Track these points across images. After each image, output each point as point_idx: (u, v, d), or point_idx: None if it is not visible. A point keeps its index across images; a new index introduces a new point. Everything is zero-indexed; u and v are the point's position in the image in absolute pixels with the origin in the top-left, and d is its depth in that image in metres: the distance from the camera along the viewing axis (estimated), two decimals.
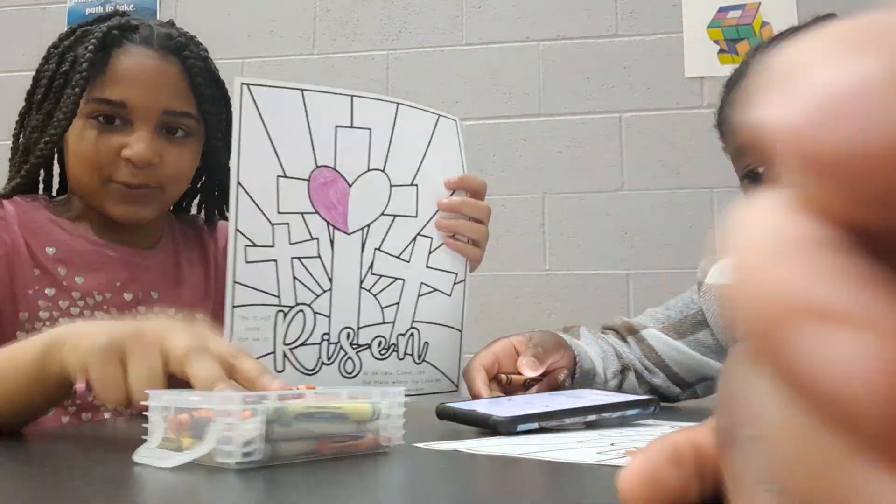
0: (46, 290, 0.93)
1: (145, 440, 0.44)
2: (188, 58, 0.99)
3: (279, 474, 0.39)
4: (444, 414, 0.66)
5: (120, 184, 0.95)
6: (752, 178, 0.89)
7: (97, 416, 0.94)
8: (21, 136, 1.02)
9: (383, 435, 0.50)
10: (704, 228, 1.99)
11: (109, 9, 2.28)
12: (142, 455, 0.43)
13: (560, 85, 2.10)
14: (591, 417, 0.65)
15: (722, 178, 2.01)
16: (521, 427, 0.58)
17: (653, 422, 0.70)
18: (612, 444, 0.52)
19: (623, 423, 0.67)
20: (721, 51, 2.04)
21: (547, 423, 0.61)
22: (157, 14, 2.26)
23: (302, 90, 0.83)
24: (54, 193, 1.08)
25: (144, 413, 0.45)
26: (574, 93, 2.09)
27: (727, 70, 2.09)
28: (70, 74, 0.95)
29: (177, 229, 1.11)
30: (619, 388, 0.99)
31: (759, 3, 2.02)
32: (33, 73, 1.02)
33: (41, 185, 1.07)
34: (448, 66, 2.15)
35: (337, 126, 0.86)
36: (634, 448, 0.49)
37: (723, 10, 2.05)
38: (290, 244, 0.81)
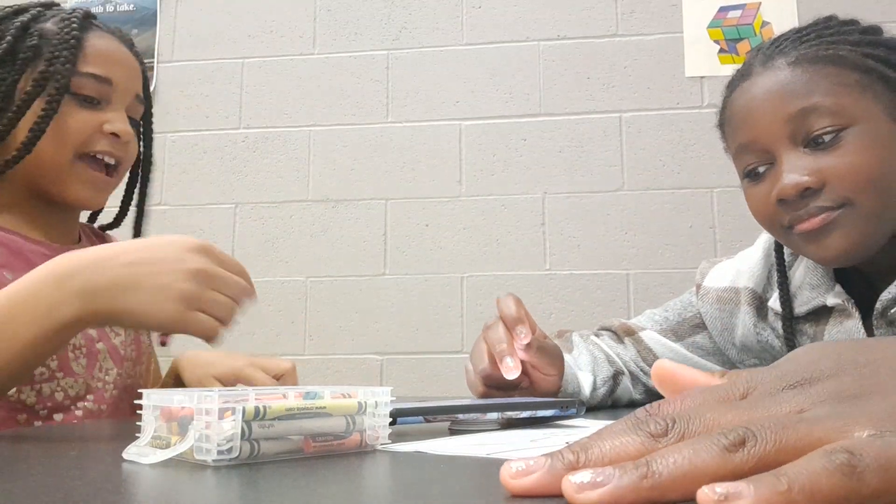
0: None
1: (138, 437, 0.45)
2: (138, 53, 1.05)
3: (259, 472, 0.38)
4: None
5: (99, 154, 0.96)
6: (752, 177, 0.90)
7: (69, 417, 0.92)
8: None
9: (369, 434, 0.49)
10: (704, 228, 1.99)
11: (109, 9, 2.29)
12: (130, 452, 0.44)
13: (560, 85, 2.10)
14: (493, 415, 0.63)
15: (722, 178, 2.01)
16: (400, 420, 0.57)
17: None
18: (567, 443, 0.52)
19: (556, 424, 0.66)
20: (721, 51, 2.04)
21: (434, 417, 0.60)
22: (157, 14, 2.26)
23: None
24: None
25: (139, 412, 0.46)
26: (574, 93, 2.09)
27: (727, 70, 2.08)
28: (41, 49, 0.94)
29: (85, 230, 1.11)
30: (611, 394, 0.98)
31: (759, 3, 2.02)
32: None
33: None
34: (448, 66, 2.15)
35: None
36: None
37: (723, 9, 2.04)
38: None
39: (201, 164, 2.18)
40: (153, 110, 1.12)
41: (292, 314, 2.11)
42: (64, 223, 1.02)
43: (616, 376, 0.99)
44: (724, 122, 0.94)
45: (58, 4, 1.04)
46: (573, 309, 2.00)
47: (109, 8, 2.29)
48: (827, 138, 0.82)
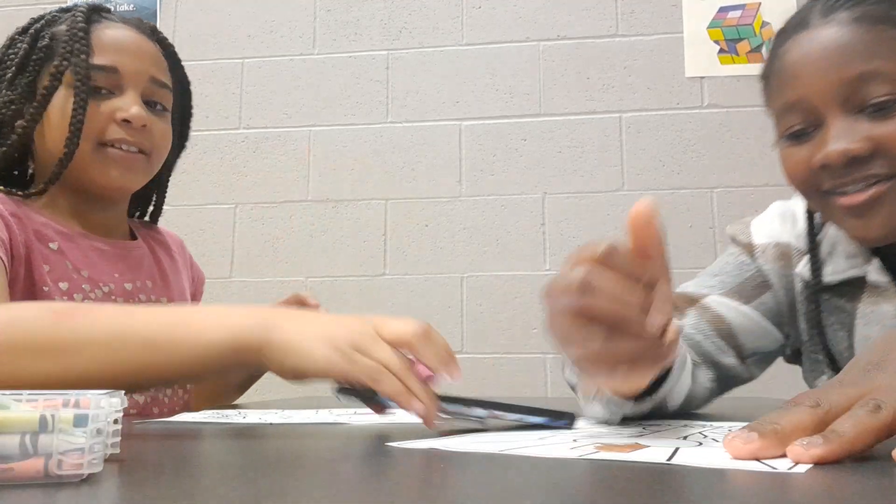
0: (60, 285, 0.94)
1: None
2: (163, 39, 1.05)
3: None
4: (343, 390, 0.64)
5: (116, 143, 0.96)
6: (793, 138, 0.82)
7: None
8: None
9: (60, 460, 0.35)
10: (704, 228, 1.99)
11: None
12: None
13: (560, 85, 2.10)
14: (479, 412, 0.60)
15: (722, 178, 2.01)
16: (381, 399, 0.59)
17: (614, 428, 0.69)
18: (574, 441, 0.52)
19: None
20: (721, 51, 2.04)
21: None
22: (157, 14, 2.26)
23: None
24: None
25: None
26: (574, 93, 2.09)
27: (727, 70, 2.09)
28: (54, 48, 0.96)
29: (138, 227, 1.12)
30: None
31: (759, 3, 2.02)
32: None
33: None
34: (448, 66, 2.15)
35: None
36: (603, 444, 0.49)
37: (723, 10, 2.04)
38: None
39: (201, 164, 2.18)
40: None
41: None
42: (107, 218, 1.03)
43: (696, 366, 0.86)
44: (770, 75, 0.85)
45: (75, 7, 1.04)
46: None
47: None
48: (884, 106, 0.75)
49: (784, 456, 0.41)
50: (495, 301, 2.03)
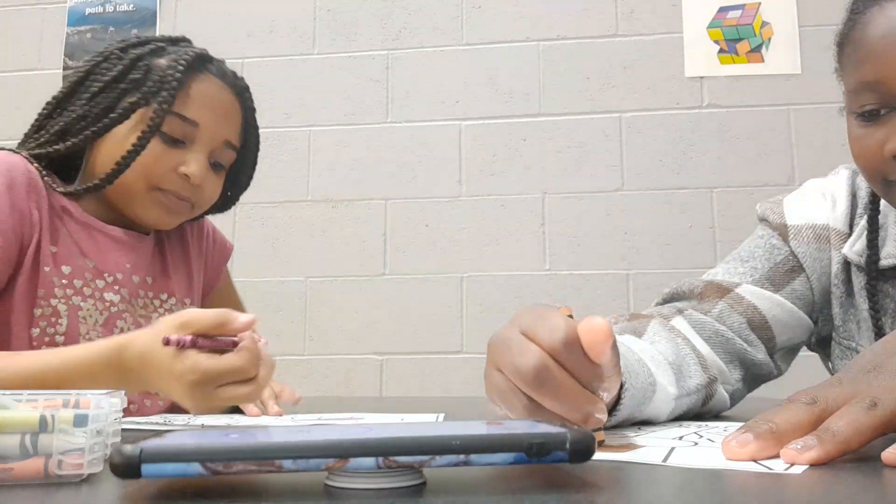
0: (63, 268, 0.96)
1: None
2: (247, 100, 1.07)
3: None
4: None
5: (169, 193, 0.99)
6: (866, 117, 0.76)
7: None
8: (53, 114, 1.02)
9: (58, 460, 0.36)
10: (704, 228, 1.99)
11: (109, 9, 2.28)
12: None
13: (560, 85, 2.10)
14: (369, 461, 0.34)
15: (722, 178, 2.01)
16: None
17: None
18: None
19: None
20: (721, 51, 2.04)
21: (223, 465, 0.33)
22: (157, 14, 2.26)
23: None
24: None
25: None
26: (574, 93, 2.09)
27: (727, 70, 2.09)
28: (145, 81, 0.98)
29: None
30: (704, 404, 0.76)
31: (759, 3, 2.02)
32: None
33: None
34: (448, 66, 2.15)
35: None
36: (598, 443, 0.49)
37: (723, 10, 2.04)
38: None
39: None
40: None
41: (292, 314, 2.11)
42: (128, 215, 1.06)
43: (710, 384, 0.77)
44: (847, 42, 0.79)
45: (186, 41, 1.07)
46: (573, 309, 2.00)
47: (109, 8, 2.29)
48: None
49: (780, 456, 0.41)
50: (495, 301, 2.03)
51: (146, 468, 0.32)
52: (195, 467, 0.32)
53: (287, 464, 0.32)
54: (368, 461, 0.33)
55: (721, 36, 2.04)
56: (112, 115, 0.97)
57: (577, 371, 0.47)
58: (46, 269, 0.94)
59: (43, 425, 0.35)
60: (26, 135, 1.03)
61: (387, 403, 1.34)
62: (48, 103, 1.03)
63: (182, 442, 0.33)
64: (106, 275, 1.00)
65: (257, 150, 1.12)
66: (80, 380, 0.73)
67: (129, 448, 0.32)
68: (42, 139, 1.00)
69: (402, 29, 2.18)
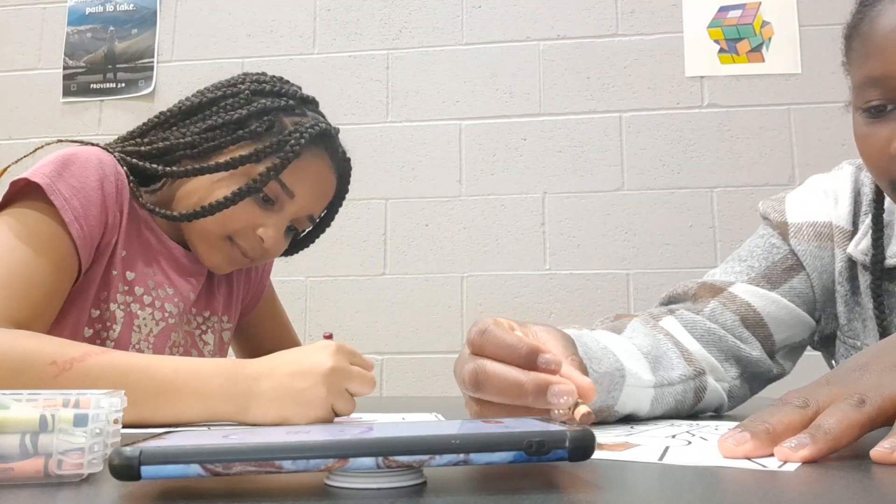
0: (128, 274, 0.95)
1: None
2: (345, 182, 1.09)
3: None
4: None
5: (238, 246, 0.99)
6: (872, 113, 0.75)
7: None
8: (163, 126, 1.00)
9: (60, 460, 0.36)
10: (704, 228, 1.99)
11: (110, 8, 2.28)
12: None
13: (560, 85, 2.10)
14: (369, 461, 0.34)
15: (722, 178, 2.01)
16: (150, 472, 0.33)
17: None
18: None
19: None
20: (721, 50, 2.04)
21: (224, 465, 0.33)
22: (157, 14, 2.26)
23: None
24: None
25: None
26: (574, 92, 2.09)
27: (727, 70, 2.09)
28: (264, 136, 0.96)
29: None
30: (697, 398, 0.77)
31: (759, 3, 2.02)
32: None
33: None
34: (448, 66, 2.15)
35: None
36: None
37: (723, 9, 2.04)
38: None
39: None
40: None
41: (292, 314, 2.09)
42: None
43: (697, 377, 0.77)
44: (855, 35, 0.77)
45: (315, 104, 1.05)
46: (573, 309, 2.00)
47: (109, 7, 2.29)
48: None
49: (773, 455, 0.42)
50: (495, 301, 2.03)
51: (146, 470, 0.32)
52: (195, 468, 0.32)
53: (287, 464, 0.33)
54: (368, 461, 0.33)
55: (721, 35, 2.04)
56: (219, 160, 0.95)
57: (502, 354, 0.49)
58: (114, 272, 0.93)
59: (43, 425, 0.35)
60: (130, 133, 1.02)
61: (386, 403, 1.34)
62: (161, 113, 1.01)
63: (181, 443, 0.34)
64: (167, 286, 0.99)
65: (329, 224, 1.14)
66: (194, 384, 0.73)
67: (128, 450, 0.32)
68: (143, 148, 0.98)
69: (403, 28, 2.19)
